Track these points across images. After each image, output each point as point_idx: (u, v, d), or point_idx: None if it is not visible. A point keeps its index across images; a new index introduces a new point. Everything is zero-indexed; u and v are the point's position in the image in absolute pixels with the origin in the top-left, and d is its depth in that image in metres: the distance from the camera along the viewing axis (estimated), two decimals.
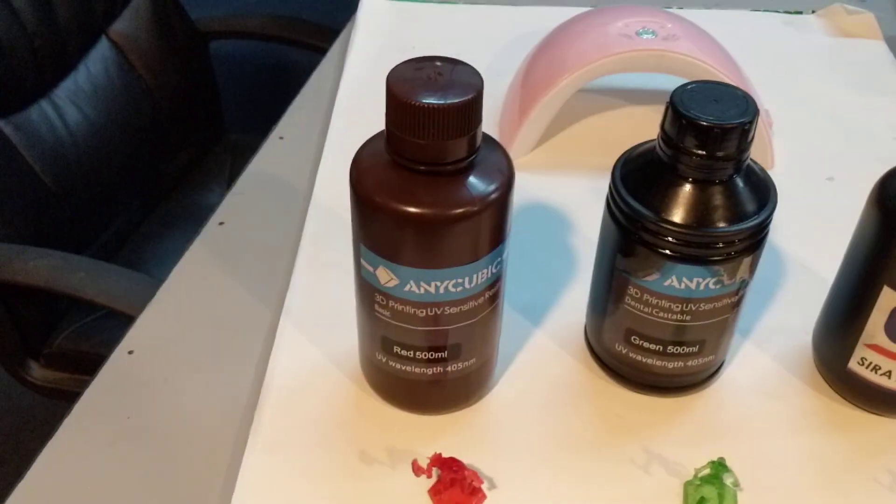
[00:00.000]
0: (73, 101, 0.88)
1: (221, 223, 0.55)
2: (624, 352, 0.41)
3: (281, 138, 0.62)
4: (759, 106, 0.58)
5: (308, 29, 1.04)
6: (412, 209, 0.34)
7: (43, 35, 0.83)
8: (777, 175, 0.58)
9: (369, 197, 0.34)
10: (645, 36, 0.56)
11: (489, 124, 0.63)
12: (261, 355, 0.46)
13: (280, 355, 0.45)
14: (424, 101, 0.32)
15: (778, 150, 0.60)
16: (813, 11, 0.74)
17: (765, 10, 0.75)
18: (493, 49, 0.70)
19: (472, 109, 0.33)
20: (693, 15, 0.67)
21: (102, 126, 0.91)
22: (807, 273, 0.50)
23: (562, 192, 0.56)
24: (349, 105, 0.63)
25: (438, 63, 0.34)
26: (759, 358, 0.45)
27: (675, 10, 0.69)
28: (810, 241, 0.52)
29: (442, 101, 0.32)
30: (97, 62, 0.92)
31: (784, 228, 0.53)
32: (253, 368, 0.45)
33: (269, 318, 0.48)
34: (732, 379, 0.44)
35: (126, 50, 0.95)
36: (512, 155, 0.59)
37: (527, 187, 0.57)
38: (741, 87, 0.57)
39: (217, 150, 1.08)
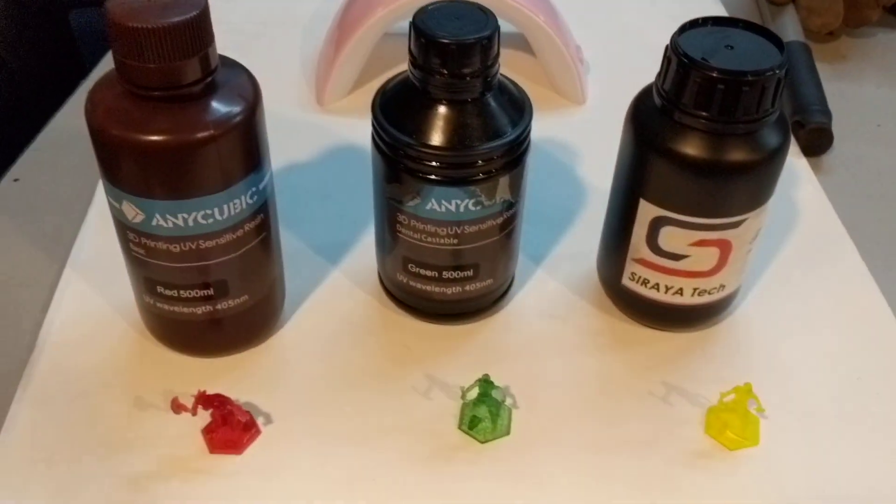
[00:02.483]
0: None
1: (16, 179, 0.53)
2: (405, 281, 0.41)
3: None
4: (571, 42, 0.59)
5: None
6: (143, 137, 0.32)
7: None
8: (588, 110, 0.60)
9: (101, 127, 0.33)
10: None
11: (308, 69, 0.62)
12: (43, 310, 0.44)
13: (61, 308, 0.43)
14: (142, 23, 0.31)
15: (592, 85, 0.60)
16: None
17: None
18: None
19: (196, 28, 0.32)
20: None
21: None
22: (605, 203, 0.51)
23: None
24: None
25: None
26: (548, 283, 0.46)
27: None
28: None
29: (162, 21, 0.31)
30: None
31: (591, 161, 0.55)
32: (33, 324, 0.43)
33: (55, 274, 0.46)
34: (521, 304, 0.45)
35: None
36: (326, 99, 0.59)
37: (339, 131, 0.56)
38: (552, 23, 0.58)
39: None
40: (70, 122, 0.58)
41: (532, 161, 0.40)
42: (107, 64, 0.64)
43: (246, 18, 0.67)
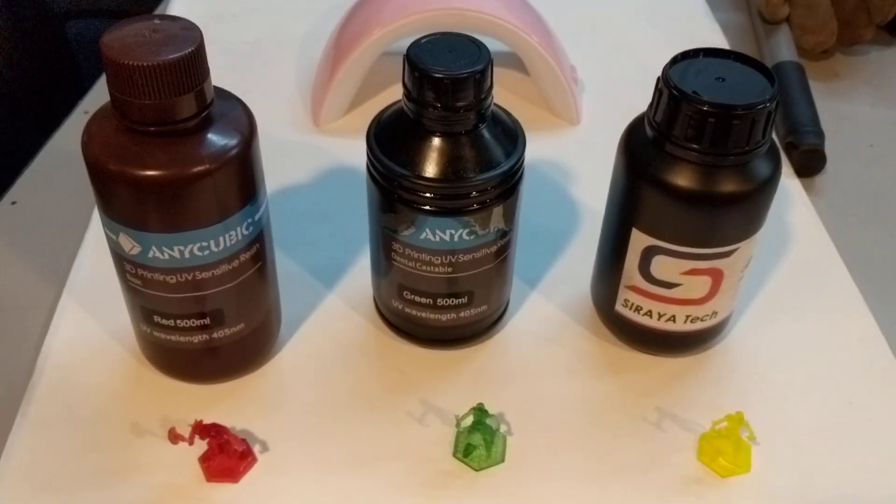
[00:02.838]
0: None
1: (14, 202, 0.53)
2: (400, 307, 0.42)
3: (86, 112, 0.60)
4: (565, 62, 0.60)
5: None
6: (139, 171, 0.33)
7: None
8: (583, 130, 0.60)
9: (98, 162, 0.33)
10: None
11: (304, 89, 0.63)
12: (41, 335, 0.44)
13: (58, 332, 0.44)
14: (137, 60, 0.31)
15: (586, 105, 0.61)
16: None
17: None
18: (315, 14, 0.69)
19: (191, 65, 0.32)
20: None
21: None
22: (599, 224, 0.51)
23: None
24: None
25: (156, 21, 0.33)
26: (544, 306, 0.46)
27: None
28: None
29: (157, 59, 0.31)
30: None
31: (585, 182, 0.55)
32: (32, 349, 0.44)
33: (52, 297, 0.46)
34: (516, 328, 0.45)
35: None
36: (322, 119, 0.59)
37: (335, 152, 0.56)
38: (546, 44, 0.58)
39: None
40: (67, 143, 0.58)
41: (526, 181, 0.40)
42: (100, 89, 0.65)
43: (239, 38, 0.67)
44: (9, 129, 0.93)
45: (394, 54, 0.57)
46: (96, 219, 0.51)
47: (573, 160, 0.56)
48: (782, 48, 0.64)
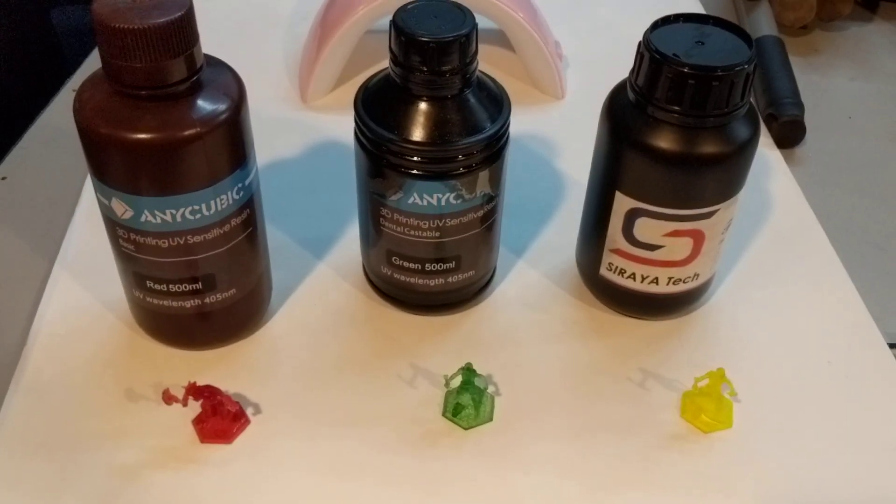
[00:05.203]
0: None
1: (4, 178, 0.53)
2: (389, 273, 0.42)
3: (74, 91, 0.60)
4: (550, 38, 0.60)
5: None
6: (131, 135, 0.33)
7: None
8: (567, 105, 0.61)
9: (90, 126, 0.34)
10: None
11: (291, 66, 0.63)
12: (34, 305, 0.45)
13: (51, 302, 0.44)
14: (128, 24, 0.32)
15: (570, 81, 0.62)
16: None
17: None
18: None
19: (181, 29, 0.33)
20: None
21: None
22: (583, 196, 0.52)
23: None
24: None
25: None
26: (529, 274, 0.47)
27: None
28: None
29: (147, 22, 0.32)
30: None
31: (569, 155, 0.56)
32: (25, 319, 0.44)
33: (44, 270, 0.47)
34: (503, 295, 0.46)
35: None
36: (309, 96, 0.60)
37: (323, 127, 0.57)
38: (531, 20, 0.59)
39: None
40: (56, 119, 0.58)
41: (512, 155, 0.41)
42: (91, 62, 0.65)
43: (226, 17, 0.68)
44: None
45: (378, 32, 0.58)
46: (86, 192, 0.51)
47: (558, 134, 0.57)
48: (762, 23, 0.65)
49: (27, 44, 0.97)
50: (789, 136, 0.57)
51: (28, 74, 0.97)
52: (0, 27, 0.93)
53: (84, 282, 0.45)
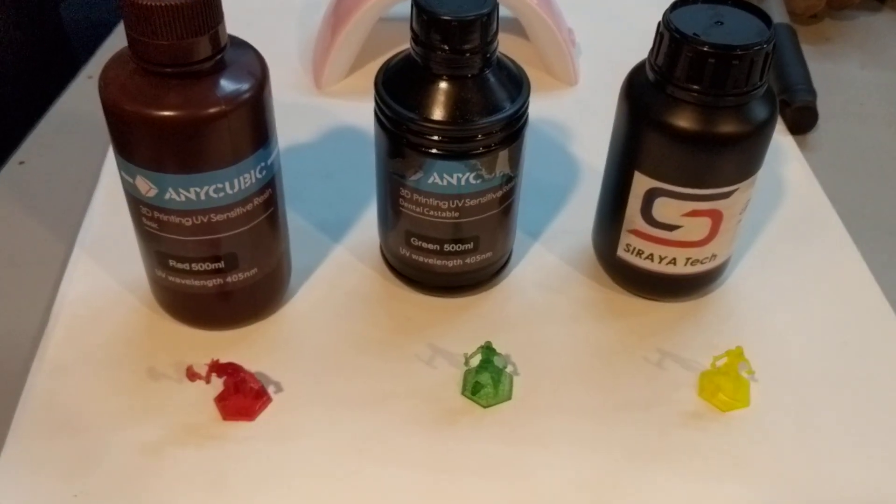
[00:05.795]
0: None
1: (22, 163, 0.54)
2: (407, 254, 0.43)
3: (90, 77, 0.61)
4: (563, 25, 0.61)
5: None
6: (157, 112, 0.34)
7: None
8: (580, 90, 0.61)
9: (115, 104, 0.34)
10: None
11: (305, 54, 0.64)
12: (54, 288, 0.45)
13: (72, 284, 0.45)
14: (155, 1, 0.32)
15: (583, 67, 0.62)
16: None
17: None
18: None
19: (207, 7, 0.33)
20: None
21: None
22: (598, 181, 0.52)
23: (370, 119, 0.57)
24: None
25: None
26: (546, 256, 0.47)
27: None
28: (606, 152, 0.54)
29: (173, 0, 0.32)
30: None
31: (583, 139, 0.56)
32: (46, 301, 0.44)
33: (64, 252, 0.47)
34: (519, 277, 0.46)
35: None
36: (324, 82, 0.60)
37: (337, 113, 0.57)
38: (544, 7, 0.59)
39: None
40: (72, 105, 0.59)
41: (527, 140, 0.41)
42: (105, 50, 0.65)
43: (239, 4, 0.68)
44: (4, 107, 0.93)
45: (391, 19, 0.58)
46: (104, 176, 0.51)
47: (572, 119, 0.57)
48: (774, 11, 0.65)
49: (38, 34, 0.98)
50: (802, 122, 0.57)
51: (39, 63, 0.97)
52: (9, 20, 0.94)
53: (104, 263, 0.46)
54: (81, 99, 0.59)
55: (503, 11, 0.57)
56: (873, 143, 0.58)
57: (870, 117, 0.61)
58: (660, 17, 0.38)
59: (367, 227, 0.48)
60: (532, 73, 0.60)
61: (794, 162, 0.55)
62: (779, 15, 0.65)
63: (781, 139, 0.56)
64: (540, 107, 0.56)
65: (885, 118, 0.61)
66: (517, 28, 0.61)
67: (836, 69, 0.65)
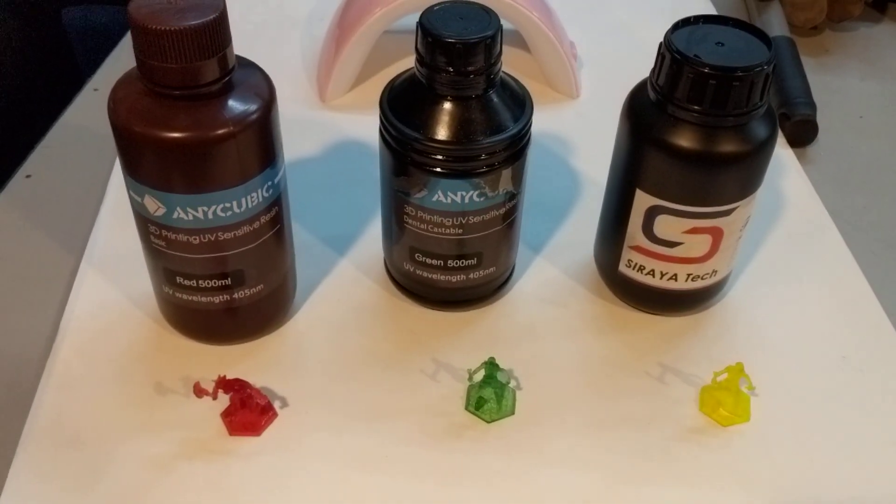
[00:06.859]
0: None
1: (28, 176, 0.54)
2: (411, 269, 0.43)
3: (95, 90, 0.61)
4: (565, 38, 0.61)
5: None
6: (166, 134, 0.34)
7: None
8: (582, 104, 0.62)
9: (125, 125, 0.35)
10: None
11: (309, 67, 0.64)
12: (62, 302, 0.46)
13: (79, 298, 0.45)
14: (164, 25, 0.33)
15: (585, 80, 0.62)
16: None
17: None
18: None
19: (215, 30, 0.33)
20: None
21: None
22: (600, 194, 0.53)
23: (374, 132, 0.58)
24: None
25: None
26: (548, 271, 0.48)
27: None
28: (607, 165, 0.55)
29: (183, 24, 0.33)
30: None
31: (584, 153, 0.57)
32: (53, 315, 0.45)
33: (71, 266, 0.48)
34: (522, 291, 0.47)
35: None
36: (328, 96, 0.61)
37: (342, 126, 0.58)
38: (546, 20, 0.60)
39: None
40: (78, 118, 0.59)
41: (529, 154, 0.42)
42: (111, 62, 0.66)
43: (244, 18, 0.69)
44: (7, 114, 0.93)
45: (396, 32, 0.59)
46: (111, 190, 0.52)
47: (573, 133, 0.58)
48: (774, 24, 0.66)
49: (39, 43, 0.98)
50: (802, 135, 0.58)
51: (41, 73, 0.98)
52: (11, 26, 0.94)
53: (111, 278, 0.46)
54: (88, 112, 0.59)
55: (505, 24, 0.58)
56: (873, 156, 0.59)
57: (870, 129, 0.61)
58: (661, 30, 0.39)
59: (371, 240, 0.49)
60: (534, 87, 0.61)
61: (794, 175, 0.55)
62: (778, 27, 0.66)
63: (781, 152, 0.57)
64: (542, 120, 0.56)
65: (885, 130, 0.61)
66: (519, 41, 0.61)
67: (835, 81, 0.65)
